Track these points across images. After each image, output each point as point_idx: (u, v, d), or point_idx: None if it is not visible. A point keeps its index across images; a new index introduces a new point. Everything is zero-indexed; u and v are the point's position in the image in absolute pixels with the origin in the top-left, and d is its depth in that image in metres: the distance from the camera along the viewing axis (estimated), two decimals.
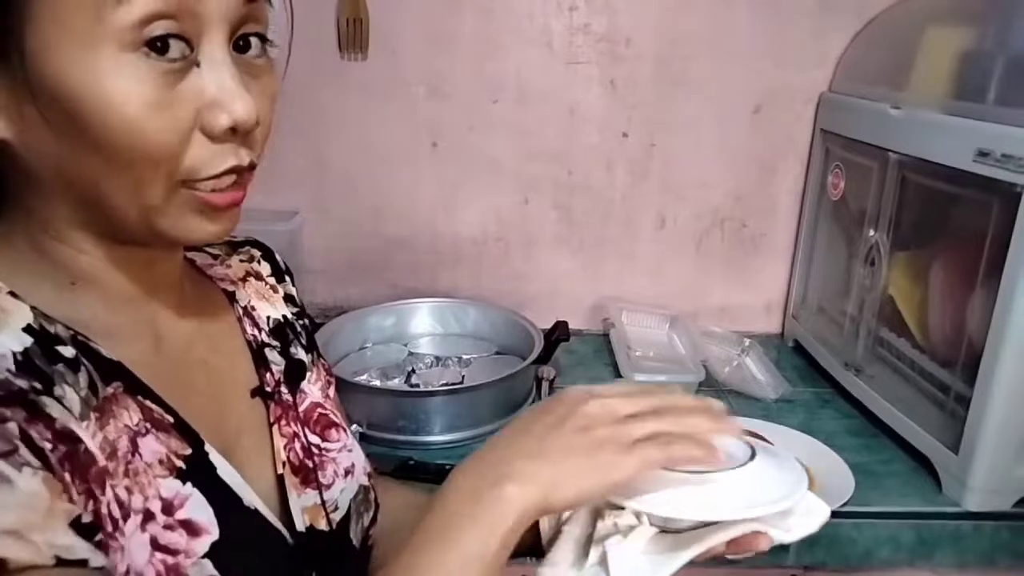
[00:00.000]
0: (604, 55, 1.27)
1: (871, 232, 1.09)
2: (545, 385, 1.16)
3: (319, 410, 0.60)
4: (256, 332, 0.58)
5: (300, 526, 0.52)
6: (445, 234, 1.37)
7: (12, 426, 0.35)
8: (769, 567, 0.92)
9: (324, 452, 0.57)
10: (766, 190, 1.35)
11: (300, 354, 0.61)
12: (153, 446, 0.43)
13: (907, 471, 0.98)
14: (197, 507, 0.44)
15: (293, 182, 1.33)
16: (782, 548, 0.89)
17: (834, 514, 0.87)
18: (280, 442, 0.54)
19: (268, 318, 0.61)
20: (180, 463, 0.44)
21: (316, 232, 1.37)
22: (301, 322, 0.65)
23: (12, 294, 0.42)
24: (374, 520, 0.61)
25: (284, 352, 0.60)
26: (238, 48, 0.43)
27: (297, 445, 0.55)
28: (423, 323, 1.30)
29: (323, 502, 0.54)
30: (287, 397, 0.57)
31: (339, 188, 1.34)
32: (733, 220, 1.37)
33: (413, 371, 1.17)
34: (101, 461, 0.40)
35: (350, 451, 0.60)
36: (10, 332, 0.40)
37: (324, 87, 1.28)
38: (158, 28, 0.38)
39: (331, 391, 0.64)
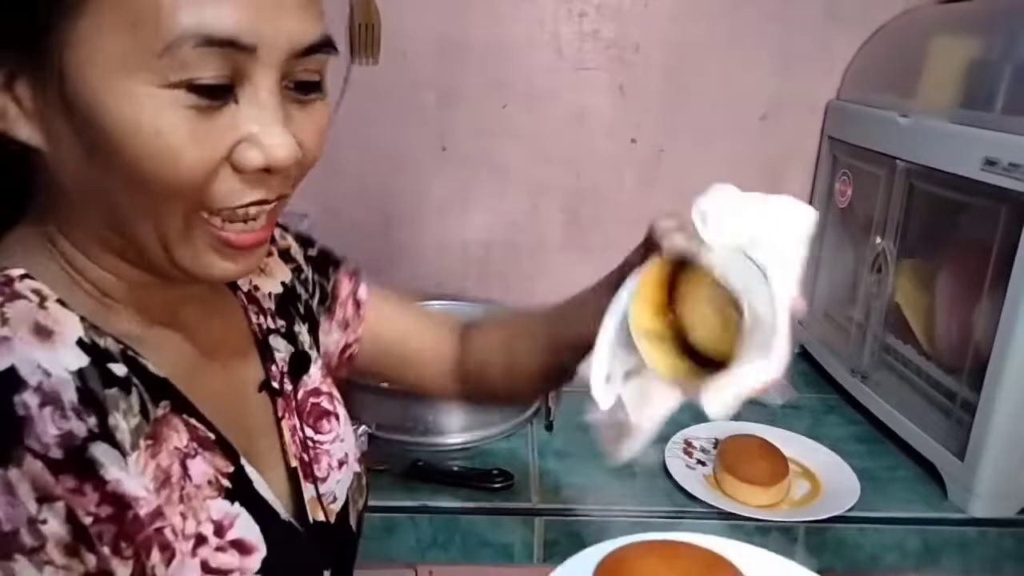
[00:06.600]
0: (613, 61, 1.28)
1: (878, 239, 1.09)
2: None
3: (312, 399, 0.59)
4: (261, 319, 0.57)
5: (311, 519, 0.53)
6: (454, 238, 1.38)
7: (53, 523, 0.35)
8: None
9: (318, 445, 0.57)
10: None
11: (303, 335, 0.61)
12: (201, 467, 0.44)
13: (913, 477, 0.99)
14: (246, 526, 0.45)
15: (303, 185, 1.33)
16: (787, 549, 0.90)
17: (839, 519, 0.89)
18: (288, 435, 0.54)
19: (270, 295, 0.60)
20: (226, 482, 0.45)
21: (325, 235, 1.34)
22: (303, 275, 0.65)
23: (60, 302, 0.41)
24: (366, 504, 0.62)
25: (289, 334, 0.59)
26: (288, 86, 0.41)
27: (297, 439, 0.55)
28: None
29: (319, 495, 0.55)
30: (288, 389, 0.57)
31: (349, 191, 1.35)
32: None
33: None
34: (148, 516, 0.40)
35: (343, 441, 0.60)
36: (66, 348, 0.40)
37: (335, 91, 1.29)
38: (205, 79, 0.37)
39: (334, 348, 0.67)
